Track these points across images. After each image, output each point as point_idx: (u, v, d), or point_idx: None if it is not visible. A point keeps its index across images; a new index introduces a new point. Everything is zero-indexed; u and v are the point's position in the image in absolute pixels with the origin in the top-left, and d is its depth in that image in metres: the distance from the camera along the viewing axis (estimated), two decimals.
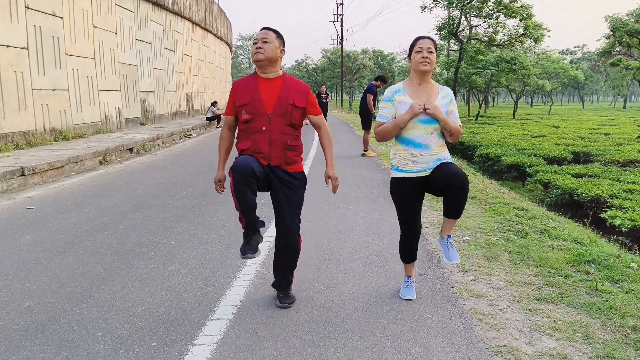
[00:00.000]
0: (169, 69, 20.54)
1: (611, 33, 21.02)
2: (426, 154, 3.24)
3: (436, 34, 21.45)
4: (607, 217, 7.27)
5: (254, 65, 3.71)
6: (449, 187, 3.15)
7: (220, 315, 3.25)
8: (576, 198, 8.50)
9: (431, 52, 3.22)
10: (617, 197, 8.11)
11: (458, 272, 3.92)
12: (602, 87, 73.95)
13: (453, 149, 16.30)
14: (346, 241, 4.79)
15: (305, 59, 68.26)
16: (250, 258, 3.32)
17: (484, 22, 21.41)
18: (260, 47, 3.18)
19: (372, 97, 11.16)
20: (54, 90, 11.62)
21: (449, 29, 20.26)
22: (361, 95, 11.33)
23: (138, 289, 3.73)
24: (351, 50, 50.22)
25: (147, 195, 7.11)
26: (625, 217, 7.02)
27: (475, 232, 4.91)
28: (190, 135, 17.09)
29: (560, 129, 22.49)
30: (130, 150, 12.08)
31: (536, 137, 18.59)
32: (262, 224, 3.40)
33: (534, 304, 3.32)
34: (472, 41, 21.23)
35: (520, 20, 22.24)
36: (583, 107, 64.87)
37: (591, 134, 20.30)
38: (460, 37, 20.49)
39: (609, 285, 3.57)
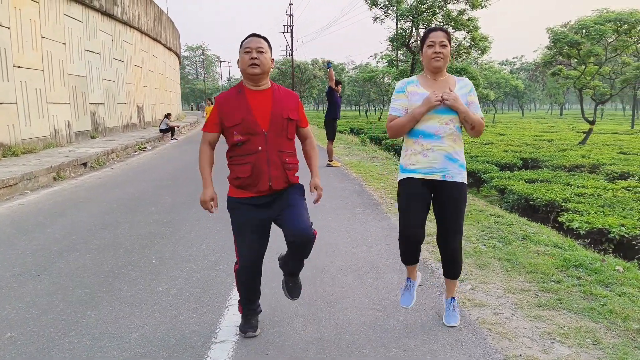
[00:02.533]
0: (119, 80, 19.92)
1: (552, 44, 22.00)
2: (437, 147, 3.00)
3: (389, 44, 21.81)
4: (564, 221, 7.54)
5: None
6: (445, 247, 3.17)
7: (224, 338, 3.11)
8: (532, 203, 8.78)
9: (444, 45, 3.01)
10: (570, 201, 8.42)
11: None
12: (540, 96, 77.27)
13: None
14: (334, 254, 4.72)
15: None
16: (251, 337, 3.11)
17: None
18: (256, 58, 2.88)
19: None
20: (1, 103, 11.00)
21: (401, 40, 20.64)
22: (326, 105, 11.31)
23: (127, 313, 3.52)
24: (301, 60, 50.40)
25: (113, 212, 6.80)
26: (582, 220, 7.30)
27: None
28: (145, 148, 16.59)
29: (505, 136, 23.30)
30: (85, 165, 11.59)
31: (485, 144, 19.15)
32: (260, 310, 3.26)
33: (536, 310, 3.36)
34: None
35: (468, 32, 22.92)
36: (522, 115, 67.59)
37: (535, 140, 21.12)
38: (412, 48, 20.90)
39: (602, 289, 3.67)
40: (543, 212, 8.63)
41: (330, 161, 11.09)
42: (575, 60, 23.27)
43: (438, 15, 21.75)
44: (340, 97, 11.50)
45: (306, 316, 3.39)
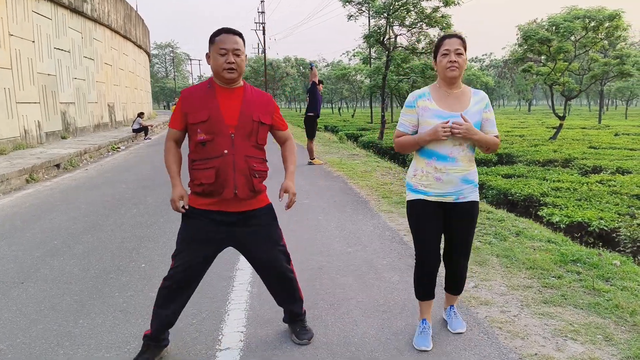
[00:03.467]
0: (89, 78, 19.40)
1: (523, 41, 22.34)
2: (452, 170, 2.80)
3: (364, 42, 21.80)
4: (545, 215, 7.63)
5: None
6: (452, 265, 3.06)
7: (229, 345, 3.00)
8: (510, 198, 8.88)
9: (460, 54, 2.77)
10: (547, 196, 8.54)
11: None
12: (508, 92, 78.59)
13: (385, 155, 16.55)
14: (330, 254, 4.64)
15: None
16: None
17: (408, 31, 22.03)
18: (233, 62, 2.64)
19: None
20: None
21: (376, 38, 20.65)
22: (299, 103, 11.18)
23: (122, 321, 3.38)
24: (274, 58, 50.12)
25: (93, 214, 6.58)
26: (562, 214, 7.40)
27: None
28: (119, 148, 16.21)
29: None
30: (58, 166, 11.23)
31: None
32: (166, 343, 2.93)
33: (543, 307, 3.34)
34: (399, 49, 21.80)
35: (441, 29, 23.10)
36: None
37: (507, 136, 21.44)
38: (387, 45, 20.95)
39: (603, 284, 3.68)
40: (522, 207, 8.74)
41: (311, 159, 10.99)
42: (545, 56, 23.69)
43: (412, 12, 21.85)
44: (321, 96, 11.43)
45: (310, 320, 3.29)
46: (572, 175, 10.55)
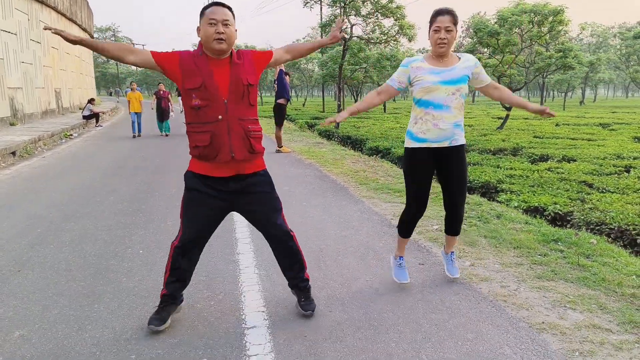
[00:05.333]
0: (36, 62, 18.59)
1: (474, 33, 23.08)
2: (447, 116, 3.26)
3: (320, 30, 21.89)
4: (503, 200, 8.08)
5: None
6: (453, 205, 3.48)
7: (255, 323, 3.10)
8: (469, 184, 9.31)
9: (450, 30, 3.18)
10: (503, 182, 9.01)
11: (442, 249, 4.13)
12: None
13: (343, 143, 16.79)
14: (325, 238, 4.79)
15: None
16: (154, 330, 2.97)
17: (364, 21, 22.32)
18: (222, 33, 2.73)
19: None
20: None
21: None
22: (274, 89, 11.17)
23: (140, 304, 3.41)
24: None
25: (69, 203, 6.43)
26: (520, 200, 7.86)
27: (441, 221, 5.18)
28: (71, 135, 15.66)
29: None
30: (13, 154, 10.80)
31: None
32: (182, 300, 3.20)
33: (537, 282, 3.63)
34: (354, 38, 22.05)
35: (395, 20, 23.50)
36: None
37: None
38: (344, 35, 21.16)
39: (586, 260, 4.02)
40: (480, 193, 9.19)
41: (279, 147, 11.06)
42: (493, 49, 24.55)
43: (368, 2, 22.12)
44: (289, 84, 11.50)
45: (326, 298, 3.45)
46: (522, 163, 11.09)
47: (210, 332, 3.00)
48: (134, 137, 15.18)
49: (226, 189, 2.91)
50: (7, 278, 3.90)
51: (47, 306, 3.39)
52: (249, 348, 2.81)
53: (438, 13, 3.24)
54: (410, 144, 3.42)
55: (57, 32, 2.82)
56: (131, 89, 16.29)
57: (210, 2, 2.87)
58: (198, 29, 2.85)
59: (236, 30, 2.88)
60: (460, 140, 3.39)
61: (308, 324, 3.08)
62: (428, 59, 3.36)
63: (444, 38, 3.19)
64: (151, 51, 2.88)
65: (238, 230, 4.99)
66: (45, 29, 2.86)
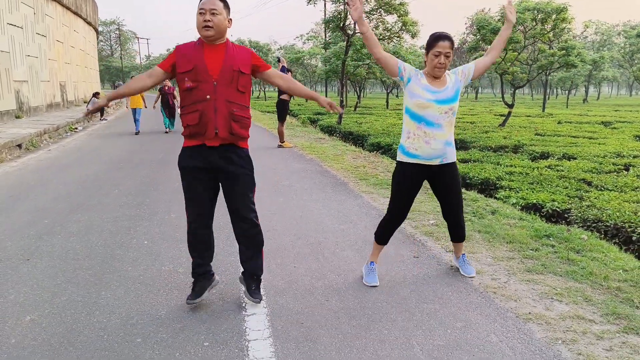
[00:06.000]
0: (41, 56, 18.74)
1: (477, 31, 23.11)
2: (438, 134, 3.42)
3: (324, 26, 21.97)
4: (501, 197, 8.21)
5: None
6: (454, 219, 3.71)
7: (255, 311, 3.25)
8: (469, 181, 9.43)
9: (448, 56, 3.36)
10: (502, 179, 9.13)
11: (447, 253, 4.28)
12: None
13: (345, 139, 16.92)
14: (324, 231, 4.93)
15: None
16: (190, 303, 3.27)
17: (367, 17, 22.38)
18: (209, 21, 3.01)
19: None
20: None
21: (336, 23, 20.89)
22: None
23: (146, 291, 3.57)
24: None
25: (75, 195, 6.59)
26: (518, 197, 7.99)
27: (437, 216, 5.32)
28: (76, 129, 15.83)
29: None
30: (19, 146, 10.97)
31: None
32: (212, 274, 3.46)
33: (527, 275, 3.77)
34: (358, 34, 22.14)
35: (399, 16, 23.55)
36: None
37: (459, 123, 22.23)
38: (347, 30, 21.23)
39: (575, 255, 4.15)
40: (479, 190, 9.32)
41: (281, 142, 11.20)
42: None
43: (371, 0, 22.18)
44: None
45: (323, 288, 3.59)
46: (522, 160, 11.19)
47: (212, 319, 3.15)
48: (136, 134, 14.60)
49: (213, 158, 3.15)
50: (17, 266, 4.06)
51: (56, 293, 3.55)
52: (249, 333, 2.96)
53: (439, 38, 3.39)
54: (402, 158, 3.58)
55: (94, 111, 3.40)
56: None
57: None
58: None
59: (230, 20, 3.16)
60: (451, 158, 3.56)
61: (305, 312, 3.23)
62: (427, 75, 3.51)
63: (443, 63, 3.37)
64: (158, 65, 3.22)
65: None
66: (85, 116, 3.28)
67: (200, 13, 3.04)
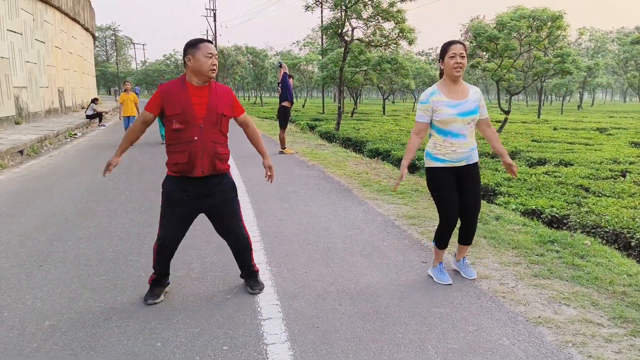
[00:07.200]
0: (40, 62, 18.77)
1: (473, 38, 23.31)
2: (464, 143, 3.66)
3: (321, 33, 22.10)
4: (501, 203, 8.31)
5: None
6: (469, 218, 3.82)
7: (270, 315, 3.32)
8: None
9: (463, 57, 3.56)
10: (501, 185, 9.24)
11: (453, 257, 4.35)
12: None
13: (345, 145, 17.02)
14: (332, 236, 5.01)
15: (174, 54, 65.65)
16: (150, 303, 3.51)
17: (365, 24, 22.53)
18: (215, 65, 3.33)
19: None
20: None
21: (334, 30, 21.03)
22: (278, 92, 11.37)
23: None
24: (224, 46, 49.45)
25: (82, 201, 6.65)
26: (517, 202, 8.10)
27: None
28: (76, 135, 15.86)
29: None
30: (21, 152, 11.00)
31: None
32: (169, 282, 3.74)
33: (535, 280, 3.86)
34: (356, 41, 22.28)
35: (396, 23, 23.71)
36: None
37: None
38: (345, 37, 21.37)
39: (580, 261, 4.25)
40: None
41: (283, 149, 11.28)
42: (492, 53, 24.81)
43: (369, 6, 22.35)
44: (292, 87, 11.72)
45: (335, 293, 3.66)
46: (520, 166, 11.31)
47: (229, 323, 3.22)
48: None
49: (195, 190, 3.42)
50: (31, 272, 4.11)
51: (73, 298, 3.60)
52: (266, 337, 3.03)
53: (451, 43, 3.61)
54: (431, 163, 3.79)
55: (109, 169, 3.56)
56: (124, 90, 14.41)
57: (198, 38, 3.42)
58: (189, 59, 3.31)
59: None
60: (475, 158, 3.79)
61: (320, 317, 3.30)
62: (442, 89, 3.69)
63: (460, 63, 3.56)
64: (145, 109, 3.43)
65: (249, 230, 5.20)
66: (105, 174, 3.60)
67: (208, 57, 3.28)
